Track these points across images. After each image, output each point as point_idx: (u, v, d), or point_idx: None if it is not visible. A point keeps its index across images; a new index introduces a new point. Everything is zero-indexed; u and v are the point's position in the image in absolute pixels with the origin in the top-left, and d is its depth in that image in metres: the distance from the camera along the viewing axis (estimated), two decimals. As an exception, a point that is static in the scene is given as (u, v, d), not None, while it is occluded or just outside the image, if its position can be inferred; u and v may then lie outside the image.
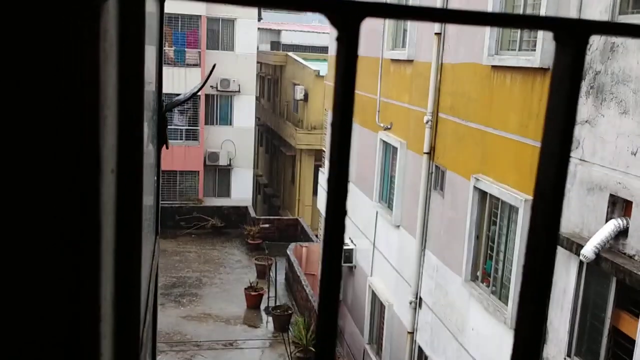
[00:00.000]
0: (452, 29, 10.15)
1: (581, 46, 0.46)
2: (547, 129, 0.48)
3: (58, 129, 0.49)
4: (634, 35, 0.49)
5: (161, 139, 1.79)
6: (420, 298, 11.17)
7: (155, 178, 1.82)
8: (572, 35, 0.45)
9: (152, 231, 1.73)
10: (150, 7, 1.46)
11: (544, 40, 7.45)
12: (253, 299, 18.04)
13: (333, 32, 0.42)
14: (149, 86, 1.57)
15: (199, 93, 25.78)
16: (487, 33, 8.77)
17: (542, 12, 7.49)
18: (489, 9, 8.71)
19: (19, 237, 0.52)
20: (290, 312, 17.14)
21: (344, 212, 0.44)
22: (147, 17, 1.31)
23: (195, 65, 25.91)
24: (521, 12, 8.27)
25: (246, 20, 26.90)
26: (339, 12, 0.40)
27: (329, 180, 0.44)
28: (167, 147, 1.87)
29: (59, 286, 0.53)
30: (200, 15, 25.90)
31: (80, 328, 0.53)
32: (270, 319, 17.23)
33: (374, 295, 13.54)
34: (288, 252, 19.67)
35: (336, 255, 0.44)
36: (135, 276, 0.82)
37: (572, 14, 6.92)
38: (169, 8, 24.69)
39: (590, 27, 0.46)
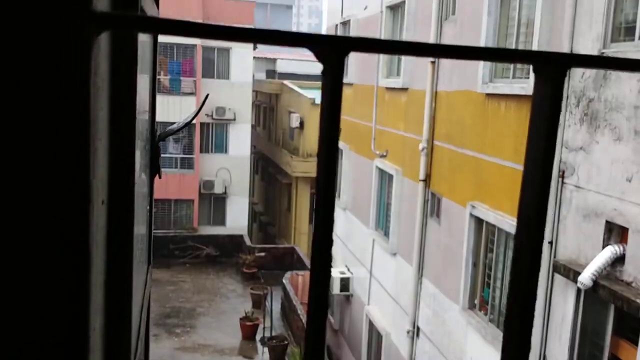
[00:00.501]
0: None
1: (560, 79, 0.47)
2: (527, 160, 0.48)
3: (47, 161, 0.50)
4: (612, 68, 0.51)
5: (154, 169, 1.77)
6: (418, 327, 11.06)
7: (148, 207, 1.80)
8: (551, 68, 0.46)
9: (145, 261, 1.71)
10: (144, 36, 1.46)
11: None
12: (248, 330, 17.84)
13: (319, 66, 0.42)
14: (143, 115, 1.56)
15: (193, 121, 25.87)
16: (481, 62, 8.85)
17: (535, 40, 7.58)
18: (482, 37, 8.81)
19: (6, 269, 0.51)
20: (286, 342, 16.94)
21: (330, 242, 0.43)
22: (140, 46, 1.31)
23: (190, 93, 26.05)
24: (514, 39, 8.37)
25: (242, 49, 27.14)
26: (323, 47, 0.40)
27: (316, 212, 0.43)
28: (159, 177, 1.85)
29: (46, 317, 0.52)
30: (195, 45, 26.13)
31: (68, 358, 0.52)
32: (266, 349, 17.01)
33: (371, 324, 13.41)
34: (284, 281, 19.54)
35: (323, 283, 0.42)
36: (126, 307, 0.80)
37: (565, 42, 7.00)
38: (164, 37, 24.94)
39: (568, 59, 0.47)
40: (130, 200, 0.80)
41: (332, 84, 0.41)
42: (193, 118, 2.68)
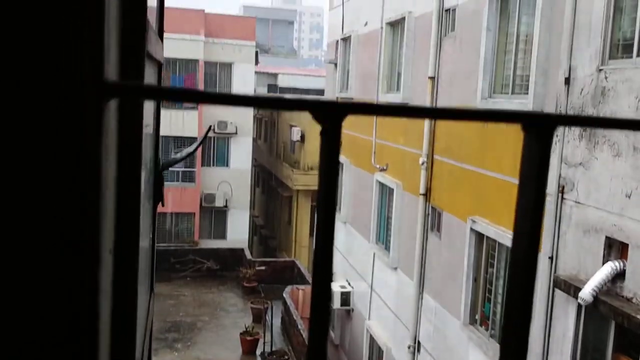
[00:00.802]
0: (445, 73, 10.31)
1: (547, 137, 0.49)
2: (518, 211, 0.50)
3: (58, 220, 0.52)
4: (599, 126, 0.53)
5: (157, 197, 1.80)
6: (419, 342, 11.02)
7: (151, 236, 1.83)
8: (539, 128, 0.49)
9: (147, 289, 1.73)
10: (148, 76, 1.50)
11: (536, 84, 7.57)
12: (249, 344, 17.77)
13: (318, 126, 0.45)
14: (148, 148, 1.59)
15: (195, 135, 25.95)
16: (480, 76, 8.91)
17: (534, 56, 7.63)
18: (482, 53, 8.87)
19: (14, 318, 0.53)
20: (286, 357, 16.87)
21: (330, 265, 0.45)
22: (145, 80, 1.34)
23: (192, 108, 26.14)
24: (513, 56, 8.42)
25: (243, 64, 27.29)
26: (322, 111, 0.43)
27: (314, 265, 0.45)
28: (162, 205, 1.88)
29: None
30: (197, 60, 26.28)
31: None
32: (267, 364, 16.93)
33: (371, 339, 13.36)
34: (284, 295, 19.48)
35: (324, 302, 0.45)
36: (129, 352, 0.82)
37: (563, 58, 7.05)
38: (167, 52, 25.06)
39: (556, 120, 0.50)
40: (135, 248, 0.83)
41: (330, 145, 0.44)
42: (195, 149, 2.72)
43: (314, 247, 0.48)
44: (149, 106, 1.59)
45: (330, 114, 0.43)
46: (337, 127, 0.44)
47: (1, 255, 0.52)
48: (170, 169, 26.52)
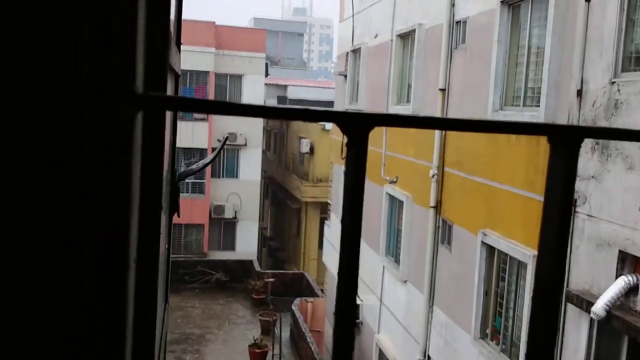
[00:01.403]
0: (456, 85, 10.29)
1: (574, 150, 0.48)
2: (544, 228, 0.49)
3: (88, 229, 0.53)
4: (625, 139, 0.52)
5: (173, 208, 1.80)
6: (429, 356, 10.92)
7: (167, 246, 1.82)
8: (566, 140, 0.48)
9: (162, 300, 1.72)
10: (170, 86, 1.50)
11: (548, 96, 7.53)
12: (257, 357, 17.69)
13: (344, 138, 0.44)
14: (165, 159, 1.60)
15: (205, 147, 26.04)
16: (491, 88, 8.88)
17: (545, 68, 7.60)
18: (492, 66, 8.85)
19: (45, 327, 0.54)
20: (295, 369, 16.78)
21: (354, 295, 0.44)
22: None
23: (202, 119, 26.28)
24: (524, 68, 8.39)
25: (253, 75, 27.43)
26: (349, 123, 0.42)
27: (338, 284, 0.43)
28: (178, 216, 1.87)
29: None
30: (208, 72, 26.44)
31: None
32: (275, 376, 16.85)
33: (381, 353, 13.26)
34: (293, 307, 19.42)
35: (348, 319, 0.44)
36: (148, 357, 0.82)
37: (575, 70, 7.02)
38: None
39: (582, 132, 0.49)
40: (155, 258, 0.84)
41: (357, 155, 0.43)
42: (213, 159, 2.72)
43: (338, 264, 0.46)
44: (166, 118, 1.60)
45: (357, 126, 0.42)
46: (364, 139, 0.42)
47: (35, 267, 0.53)
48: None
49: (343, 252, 0.44)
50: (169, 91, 1.46)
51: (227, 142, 26.98)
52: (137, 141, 0.67)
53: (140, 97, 0.54)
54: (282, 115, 0.42)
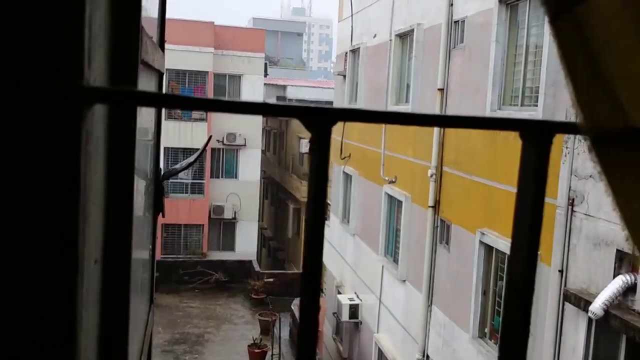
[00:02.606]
0: (454, 84, 10.30)
1: (546, 145, 0.49)
2: (516, 224, 0.49)
3: (35, 226, 0.51)
4: None
5: (157, 208, 1.80)
6: (428, 355, 10.93)
7: (151, 247, 1.82)
8: (537, 136, 0.48)
9: (146, 301, 1.72)
10: (148, 85, 1.50)
11: (546, 95, 7.54)
12: (257, 357, 17.70)
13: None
14: (147, 157, 1.59)
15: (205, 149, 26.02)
16: (490, 88, 8.89)
17: (544, 68, 7.61)
18: (490, 65, 8.86)
19: None
20: (294, 369, 16.79)
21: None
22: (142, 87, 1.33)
23: (201, 119, 26.28)
24: (522, 67, 8.40)
25: (252, 75, 27.42)
26: (311, 118, 0.42)
27: (302, 275, 0.44)
28: (163, 216, 1.87)
29: None
30: (207, 72, 26.44)
31: None
32: (274, 376, 16.85)
33: (380, 353, 13.27)
34: (293, 307, 19.43)
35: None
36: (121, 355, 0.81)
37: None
38: (177, 64, 25.26)
39: (554, 127, 0.49)
40: (127, 258, 0.83)
41: (320, 150, 0.43)
42: (196, 159, 2.72)
43: (302, 254, 0.47)
44: (149, 117, 1.59)
45: (319, 121, 0.42)
46: (327, 134, 0.43)
47: None
48: (179, 181, 26.66)
49: (306, 245, 0.44)
50: (149, 89, 1.45)
51: (227, 142, 26.98)
52: (98, 137, 0.66)
53: (90, 90, 0.53)
54: (240, 110, 0.42)
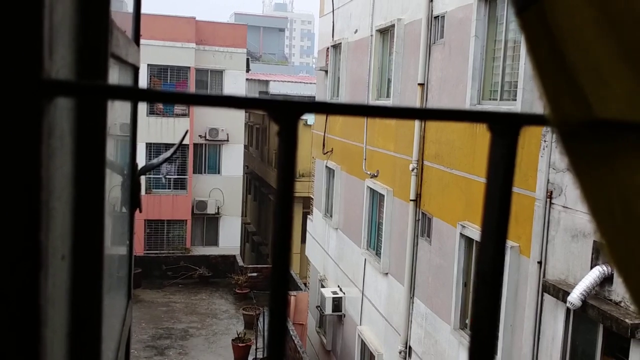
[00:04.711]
0: (435, 79, 10.37)
1: (514, 137, 0.49)
2: (485, 215, 0.51)
3: None
4: None
5: (134, 203, 1.81)
6: (410, 347, 11.04)
7: (128, 242, 1.83)
8: (505, 128, 0.49)
9: (124, 297, 1.73)
10: (124, 80, 1.50)
11: (524, 90, 7.63)
12: (241, 351, 17.71)
13: (275, 126, 0.46)
14: (123, 148, 1.60)
15: (187, 143, 25.90)
16: (469, 82, 8.97)
17: (522, 62, 7.70)
18: (470, 60, 8.93)
19: None
20: (278, 363, 16.80)
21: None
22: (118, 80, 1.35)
23: (183, 115, 26.12)
24: (501, 62, 8.48)
25: (234, 71, 27.30)
26: (278, 110, 0.44)
27: (272, 266, 0.47)
28: (140, 211, 1.89)
29: None
30: (189, 67, 26.27)
31: None
32: (259, 370, 16.88)
33: (363, 345, 13.36)
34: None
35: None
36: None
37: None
38: (159, 60, 25.05)
39: (521, 119, 0.50)
40: (98, 254, 0.82)
41: (287, 143, 0.45)
42: (172, 154, 2.73)
43: (270, 247, 0.49)
44: (124, 112, 1.60)
45: (286, 113, 0.44)
46: (293, 127, 0.45)
47: None
48: (161, 176, 26.50)
49: (274, 252, 0.46)
50: (123, 83, 1.44)
51: (209, 138, 26.86)
52: (64, 132, 0.65)
53: (49, 83, 0.51)
54: (207, 103, 0.44)
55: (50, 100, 0.56)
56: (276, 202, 0.48)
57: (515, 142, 0.51)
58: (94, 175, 0.79)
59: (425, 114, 0.52)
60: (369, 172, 13.03)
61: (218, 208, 27.25)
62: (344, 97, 15.10)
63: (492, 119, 0.51)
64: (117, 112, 1.35)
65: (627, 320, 5.75)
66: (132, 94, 0.43)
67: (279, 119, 0.44)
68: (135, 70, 1.81)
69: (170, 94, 0.44)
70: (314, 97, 23.07)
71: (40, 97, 0.50)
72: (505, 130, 0.50)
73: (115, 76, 1.25)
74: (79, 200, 0.74)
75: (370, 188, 13.14)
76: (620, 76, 0.44)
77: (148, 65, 24.94)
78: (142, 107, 22.86)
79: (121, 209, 1.55)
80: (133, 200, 1.77)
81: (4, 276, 0.51)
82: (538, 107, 7.40)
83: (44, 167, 0.51)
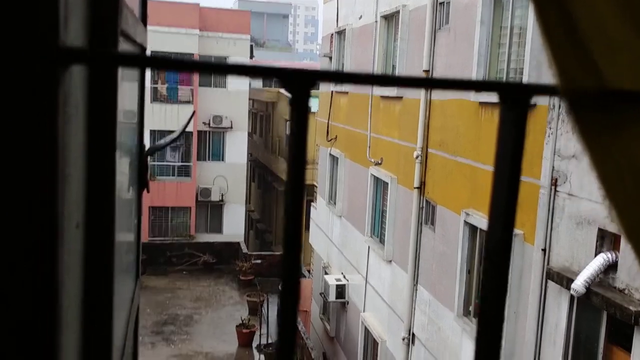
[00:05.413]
0: (440, 66, 10.32)
1: (523, 107, 0.49)
2: (495, 185, 0.50)
3: (12, 187, 0.51)
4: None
5: (142, 183, 1.81)
6: (413, 334, 11.08)
7: (136, 221, 1.84)
8: (516, 98, 0.48)
9: (133, 274, 1.74)
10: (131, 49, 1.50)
11: (530, 76, 7.59)
12: (245, 337, 17.82)
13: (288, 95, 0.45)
14: (131, 132, 1.60)
15: (191, 130, 25.89)
16: (474, 69, 8.92)
17: (527, 48, 7.64)
18: (475, 46, 8.88)
19: None
20: (282, 349, 16.91)
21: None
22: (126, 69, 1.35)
23: (187, 102, 26.11)
24: (507, 48, 8.43)
25: (238, 57, 27.22)
26: (291, 79, 0.43)
27: (284, 235, 0.46)
28: (147, 191, 1.89)
29: (10, 348, 0.53)
30: (192, 54, 26.20)
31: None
32: (263, 357, 16.99)
33: (366, 332, 13.41)
34: (280, 288, 19.52)
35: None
36: (105, 329, 0.82)
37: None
38: (162, 47, 25.00)
39: (531, 89, 0.49)
40: (110, 219, 0.83)
41: (300, 113, 0.44)
42: (180, 135, 2.74)
43: (283, 231, 0.48)
44: (133, 93, 1.60)
45: (298, 82, 0.43)
46: (306, 95, 0.44)
47: None
48: (166, 163, 26.52)
49: (286, 219, 0.46)
50: None
51: (213, 125, 26.85)
52: (76, 100, 0.65)
53: (66, 51, 0.52)
54: (218, 71, 0.43)
55: (67, 68, 0.56)
56: (288, 171, 0.47)
57: (525, 112, 0.51)
58: (106, 145, 0.79)
59: (435, 83, 0.51)
60: (373, 160, 13.01)
61: (222, 195, 27.29)
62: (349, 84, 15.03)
63: (502, 89, 0.51)
64: (126, 94, 1.35)
65: (631, 308, 5.76)
66: (142, 61, 0.43)
67: (291, 87, 0.44)
68: (143, 50, 1.80)
69: (180, 61, 0.43)
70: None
71: (57, 63, 0.51)
72: (516, 101, 0.50)
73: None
74: (91, 169, 0.75)
75: (374, 176, 13.13)
76: (629, 43, 0.44)
77: (152, 51, 24.89)
78: (147, 93, 22.86)
79: (129, 188, 1.55)
80: (141, 181, 1.78)
81: (23, 241, 0.52)
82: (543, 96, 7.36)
83: (60, 134, 0.52)
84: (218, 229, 27.66)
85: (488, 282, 0.52)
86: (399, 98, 11.90)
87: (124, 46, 1.17)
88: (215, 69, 0.43)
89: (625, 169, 0.47)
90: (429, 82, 0.51)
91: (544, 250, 7.21)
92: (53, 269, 0.53)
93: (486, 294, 0.52)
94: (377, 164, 12.83)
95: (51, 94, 0.50)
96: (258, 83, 37.42)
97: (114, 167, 0.87)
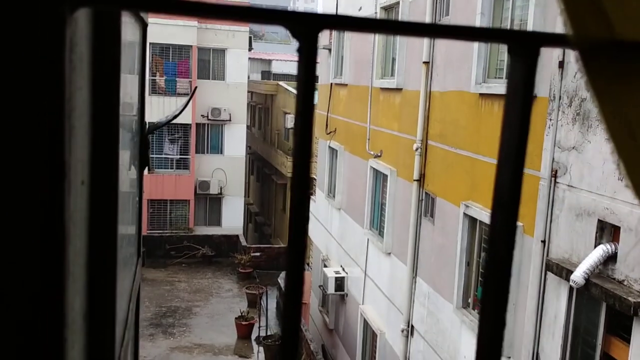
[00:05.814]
0: (440, 58, 10.29)
1: (533, 58, 0.47)
2: (503, 141, 0.49)
3: (18, 137, 0.50)
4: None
5: (143, 161, 1.80)
6: (412, 326, 11.10)
7: (138, 199, 1.82)
8: (525, 47, 0.47)
9: (134, 253, 1.73)
10: (132, 35, 1.49)
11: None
12: (244, 329, 17.85)
13: (295, 44, 0.43)
14: (132, 109, 1.59)
15: (189, 122, 25.84)
16: (475, 62, 8.90)
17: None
18: (475, 46, 8.83)
19: None
20: (281, 341, 16.94)
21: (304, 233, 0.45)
22: (128, 45, 1.33)
23: (186, 94, 26.03)
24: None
25: (237, 50, 27.15)
26: (298, 24, 0.42)
27: (292, 187, 0.45)
28: (149, 171, 1.89)
29: (18, 309, 0.52)
30: (191, 46, 26.13)
31: (43, 335, 0.53)
32: (262, 349, 17.02)
33: (365, 324, 13.44)
34: (279, 280, 19.57)
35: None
36: (109, 292, 0.82)
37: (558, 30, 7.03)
38: (160, 38, 24.92)
39: (541, 37, 0.48)
40: (114, 181, 0.82)
41: (307, 59, 0.42)
42: (181, 111, 2.72)
43: (290, 209, 0.47)
44: (133, 78, 1.58)
45: (306, 27, 0.42)
46: (314, 41, 0.42)
47: None
48: (164, 156, 26.48)
49: (294, 171, 0.44)
50: (134, 39, 1.43)
51: (212, 118, 26.79)
52: (78, 50, 0.64)
53: None
54: (222, 15, 0.41)
55: (73, 11, 0.55)
56: (295, 121, 0.45)
57: (534, 62, 0.49)
58: (110, 96, 0.78)
59: (443, 31, 0.49)
60: (372, 152, 12.99)
61: (221, 188, 27.28)
62: (348, 76, 15.01)
63: (511, 38, 0.49)
64: (128, 84, 1.34)
65: (630, 299, 5.76)
66: (146, 3, 0.42)
67: (299, 33, 0.42)
68: (144, 27, 1.79)
69: (185, 2, 0.41)
70: (317, 76, 22.94)
71: (63, 7, 0.50)
72: (525, 49, 0.48)
73: (127, 31, 1.23)
74: (95, 123, 0.73)
75: (374, 168, 13.11)
76: None
77: (150, 44, 24.80)
78: (145, 86, 22.78)
79: (131, 164, 1.54)
80: (142, 158, 1.77)
81: (33, 190, 0.51)
82: (544, 85, 7.34)
83: (67, 79, 0.51)
84: (217, 221, 27.67)
85: (490, 273, 0.50)
86: (399, 90, 11.87)
87: (127, 23, 1.15)
88: (217, 12, 0.41)
89: (635, 122, 0.46)
90: (434, 29, 0.49)
91: (543, 241, 7.21)
92: (61, 221, 0.52)
93: (488, 285, 0.51)
94: (376, 156, 12.81)
95: (58, 37, 0.49)
96: (257, 75, 37.30)
97: (118, 122, 0.86)
